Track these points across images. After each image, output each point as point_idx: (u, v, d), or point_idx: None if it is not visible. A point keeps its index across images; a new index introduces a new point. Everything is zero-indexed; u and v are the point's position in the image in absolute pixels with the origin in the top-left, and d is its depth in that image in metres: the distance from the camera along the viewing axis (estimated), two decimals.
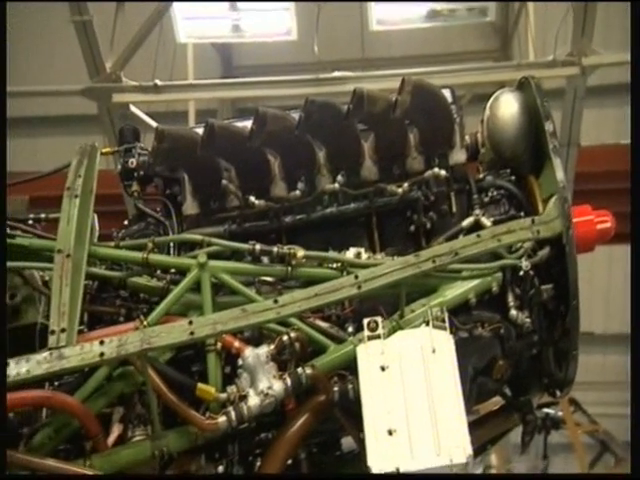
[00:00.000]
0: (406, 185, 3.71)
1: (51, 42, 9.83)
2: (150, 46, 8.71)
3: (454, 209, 3.78)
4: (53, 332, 3.11)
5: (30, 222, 3.70)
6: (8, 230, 3.61)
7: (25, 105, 9.82)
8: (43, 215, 3.71)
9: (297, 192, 3.74)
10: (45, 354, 3.05)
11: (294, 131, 3.80)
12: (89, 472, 3.02)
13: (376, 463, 2.86)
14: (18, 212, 3.76)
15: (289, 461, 3.29)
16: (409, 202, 3.74)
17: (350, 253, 3.55)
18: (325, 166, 3.80)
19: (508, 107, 3.86)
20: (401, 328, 3.28)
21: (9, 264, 3.51)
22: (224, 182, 3.75)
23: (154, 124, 7.69)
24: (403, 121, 3.82)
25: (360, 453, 3.17)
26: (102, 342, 3.07)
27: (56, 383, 3.28)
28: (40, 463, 3.03)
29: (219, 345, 3.27)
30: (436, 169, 3.73)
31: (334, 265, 3.47)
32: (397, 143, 3.84)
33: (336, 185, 3.74)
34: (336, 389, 3.20)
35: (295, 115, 3.86)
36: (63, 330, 3.11)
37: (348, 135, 3.82)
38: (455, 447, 2.88)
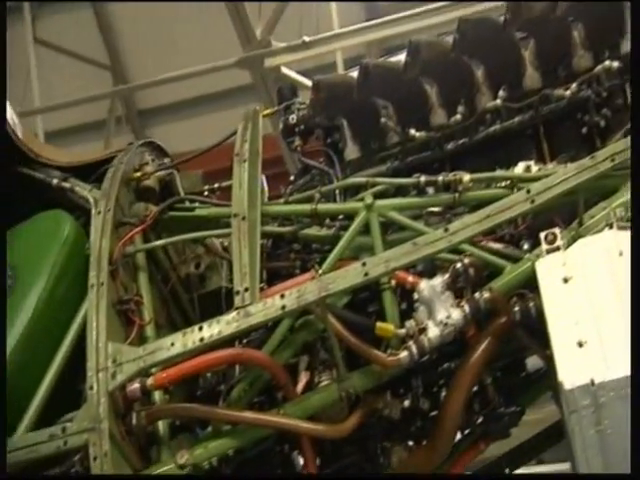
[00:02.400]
0: (574, 86, 3.48)
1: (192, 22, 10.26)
2: (292, 4, 8.80)
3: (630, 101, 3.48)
4: (238, 292, 3.22)
5: (206, 193, 3.88)
6: (187, 204, 3.83)
7: (182, 88, 10.29)
8: (216, 185, 3.86)
9: (458, 116, 3.63)
10: (233, 314, 3.18)
11: (449, 55, 3.70)
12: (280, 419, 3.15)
13: (568, 377, 2.70)
14: (194, 186, 3.94)
15: (475, 388, 3.22)
16: (579, 103, 3.49)
17: (519, 168, 3.39)
18: (484, 84, 3.65)
19: None
20: (581, 236, 3.06)
21: (192, 235, 3.72)
22: (383, 120, 3.72)
23: (307, 81, 7.76)
24: (566, 19, 3.58)
25: (548, 371, 3.03)
26: (282, 296, 3.14)
27: (244, 340, 3.42)
28: (240, 416, 3.18)
29: (393, 282, 3.24)
30: (607, 62, 3.46)
31: (503, 184, 3.33)
32: (561, 43, 3.61)
33: (498, 101, 3.59)
34: (517, 309, 3.06)
35: (449, 39, 3.75)
36: (246, 289, 3.21)
37: (507, 46, 3.65)
38: None
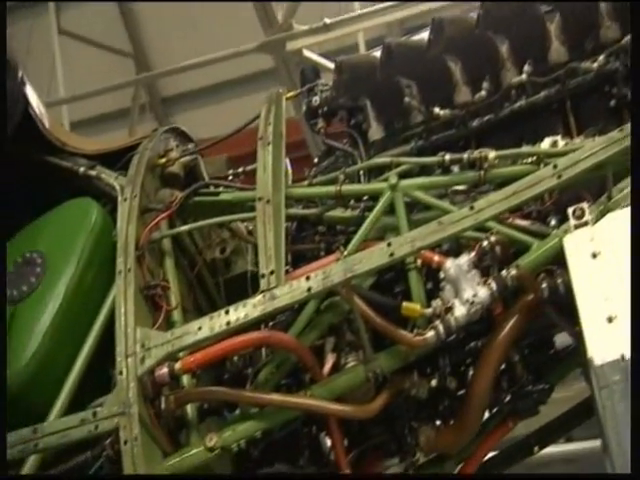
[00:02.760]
0: (602, 58, 3.41)
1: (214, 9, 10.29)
2: None
3: None
4: (263, 275, 3.21)
5: (230, 178, 3.87)
6: (212, 188, 3.83)
7: (205, 74, 10.31)
8: (241, 169, 3.85)
9: (482, 93, 3.58)
10: (259, 297, 3.17)
11: (474, 31, 3.65)
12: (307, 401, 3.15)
13: (598, 353, 2.64)
14: (218, 171, 3.94)
15: (502, 366, 3.19)
16: (607, 76, 3.42)
17: (545, 143, 3.34)
18: (509, 59, 3.60)
19: None
20: (610, 210, 3.00)
21: (217, 219, 3.71)
22: (407, 99, 3.68)
23: (329, 64, 7.73)
24: None
25: (577, 347, 2.99)
26: (308, 278, 3.12)
27: (270, 323, 3.41)
28: (267, 398, 3.17)
29: (419, 262, 3.21)
30: None
31: (529, 160, 3.28)
32: (588, 15, 3.53)
33: (523, 76, 3.53)
34: (544, 286, 3.01)
35: (473, 15, 3.71)
36: (272, 272, 3.20)
37: (532, 21, 3.58)
38: None
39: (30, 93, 3.93)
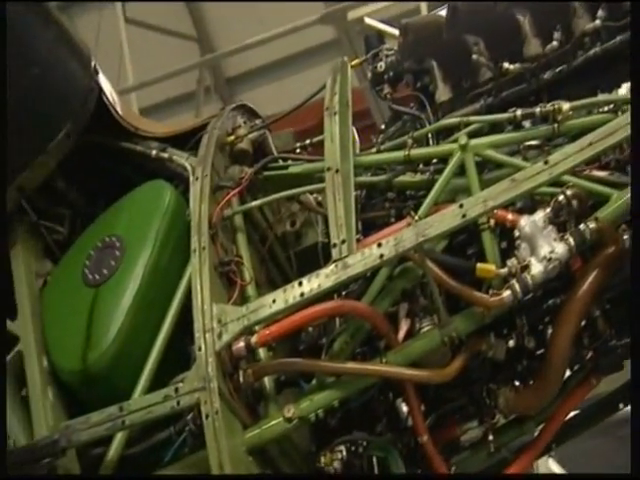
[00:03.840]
0: None
1: None
2: None
3: None
4: (335, 245, 3.18)
5: (298, 151, 3.84)
6: (280, 162, 3.81)
7: (267, 51, 10.26)
8: (308, 141, 3.82)
9: (554, 43, 3.44)
10: (331, 267, 3.13)
11: None
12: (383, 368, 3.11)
13: None
14: (286, 145, 3.92)
15: (583, 322, 3.06)
16: None
17: (623, 90, 3.19)
18: (581, 6, 3.44)
19: None
20: None
21: (287, 193, 3.69)
22: (474, 57, 3.58)
23: (392, 30, 7.59)
24: None
25: None
26: (380, 244, 3.07)
27: (343, 293, 3.36)
28: (343, 367, 3.15)
29: (492, 222, 3.11)
30: None
31: (606, 109, 3.15)
32: None
33: (597, 22, 3.37)
34: (626, 237, 2.89)
35: None
36: (343, 241, 3.16)
37: None
38: None
39: (103, 82, 4.00)
